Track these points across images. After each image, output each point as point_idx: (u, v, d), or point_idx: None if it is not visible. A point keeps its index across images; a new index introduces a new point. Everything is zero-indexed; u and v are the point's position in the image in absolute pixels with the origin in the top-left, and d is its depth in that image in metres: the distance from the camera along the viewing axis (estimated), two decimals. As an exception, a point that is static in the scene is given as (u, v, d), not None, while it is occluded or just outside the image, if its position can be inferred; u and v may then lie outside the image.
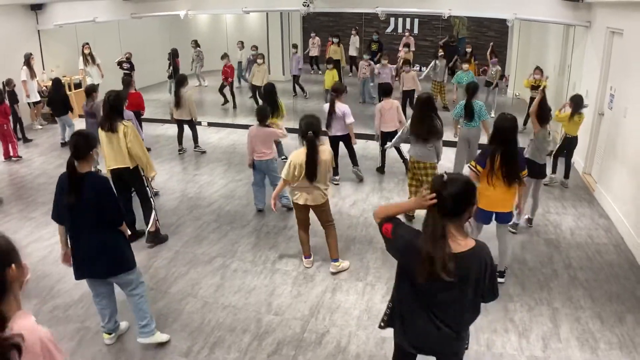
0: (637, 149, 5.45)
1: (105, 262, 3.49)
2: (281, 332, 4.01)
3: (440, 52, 11.49)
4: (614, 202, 6.01)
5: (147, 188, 5.34)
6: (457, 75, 10.34)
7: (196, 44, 13.39)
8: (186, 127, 8.52)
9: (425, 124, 5.50)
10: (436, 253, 2.19)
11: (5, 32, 10.25)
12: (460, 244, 2.26)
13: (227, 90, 11.94)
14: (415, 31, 16.26)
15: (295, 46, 13.18)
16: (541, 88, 5.92)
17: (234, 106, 12.08)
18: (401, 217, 2.55)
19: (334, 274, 4.81)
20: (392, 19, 16.41)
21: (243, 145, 9.14)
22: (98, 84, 10.18)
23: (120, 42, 11.56)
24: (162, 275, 4.87)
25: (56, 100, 9.24)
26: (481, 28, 15.48)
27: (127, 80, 8.24)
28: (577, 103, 6.40)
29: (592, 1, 7.29)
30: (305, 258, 4.99)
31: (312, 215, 4.83)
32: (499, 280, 4.63)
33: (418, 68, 14.66)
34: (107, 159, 5.14)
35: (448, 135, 6.72)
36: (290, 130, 6.93)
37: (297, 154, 4.53)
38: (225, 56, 11.70)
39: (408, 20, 16.28)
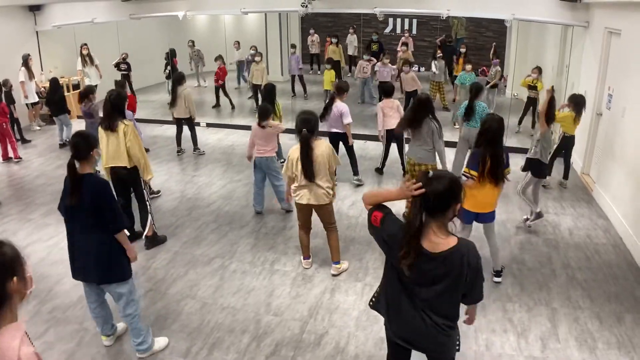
0: (636, 149, 5.46)
1: (95, 266, 3.44)
2: (280, 332, 4.01)
3: (439, 53, 11.48)
4: (613, 202, 6.02)
5: (144, 190, 5.32)
6: (461, 76, 10.32)
7: (193, 44, 13.38)
8: (185, 128, 8.51)
9: (420, 122, 5.42)
10: (407, 246, 2.24)
11: (4, 33, 10.26)
12: (441, 243, 2.27)
13: (221, 92, 11.94)
14: (414, 32, 16.27)
15: (293, 46, 13.16)
16: (548, 89, 5.87)
17: (232, 107, 12.06)
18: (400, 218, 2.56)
19: (334, 275, 4.81)
20: (391, 20, 16.42)
21: (242, 146, 9.15)
22: (96, 85, 10.23)
23: (118, 43, 11.54)
24: (160, 276, 4.86)
25: (54, 100, 9.24)
26: (480, 28, 15.49)
27: (121, 83, 8.24)
28: (577, 102, 6.38)
29: (590, 1, 7.30)
30: (304, 259, 4.98)
31: (314, 218, 4.79)
32: (495, 279, 4.64)
33: (416, 69, 14.65)
34: (105, 157, 5.11)
35: (447, 135, 6.72)
36: (289, 131, 6.92)
37: (293, 150, 4.53)
38: (219, 58, 11.68)
39: (407, 20, 16.29)
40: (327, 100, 6.72)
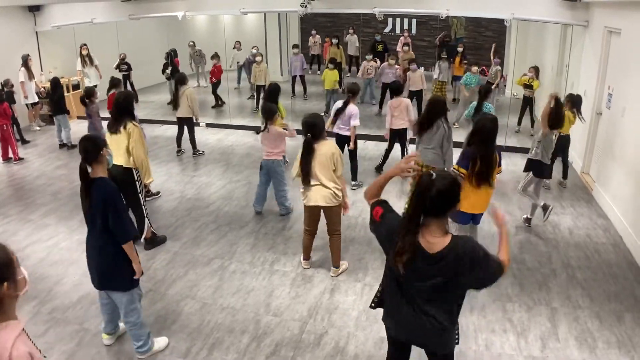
0: (635, 149, 5.46)
1: (96, 271, 3.46)
2: (280, 333, 4.00)
3: (444, 54, 11.38)
4: (613, 201, 6.02)
5: (140, 194, 5.21)
6: (466, 77, 10.29)
7: (194, 44, 13.39)
8: (185, 129, 8.50)
9: (431, 125, 5.35)
10: (402, 241, 2.26)
11: (3, 33, 10.26)
12: (438, 243, 2.29)
13: (219, 91, 11.95)
14: (413, 31, 16.27)
15: (296, 46, 13.14)
16: (552, 94, 5.72)
17: (220, 104, 12.05)
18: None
19: (334, 277, 4.81)
20: (390, 19, 16.42)
21: (242, 146, 9.17)
22: (95, 85, 10.23)
23: (118, 43, 11.54)
24: (160, 276, 4.86)
25: (53, 100, 9.25)
26: (479, 28, 15.49)
27: (116, 81, 8.23)
28: (574, 102, 6.40)
29: (589, 1, 7.30)
30: (304, 259, 4.98)
31: (320, 224, 4.77)
32: None
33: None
34: None
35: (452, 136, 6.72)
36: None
37: (300, 152, 4.56)
38: (215, 56, 11.68)
39: (406, 20, 16.29)
40: (342, 104, 6.55)
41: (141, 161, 5.04)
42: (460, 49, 11.82)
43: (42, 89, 10.59)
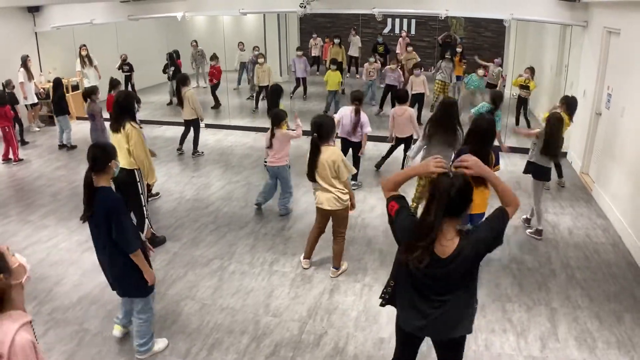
0: (635, 149, 5.46)
1: (111, 277, 3.51)
2: (279, 333, 4.00)
3: (448, 54, 11.30)
4: (612, 201, 6.02)
5: (142, 195, 5.18)
6: (471, 78, 10.24)
7: (196, 44, 13.40)
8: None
9: (444, 127, 5.30)
10: (419, 252, 2.27)
11: (3, 34, 10.26)
12: (449, 246, 2.31)
13: (218, 92, 11.95)
14: (413, 32, 16.28)
15: (299, 49, 13.11)
16: (555, 113, 5.52)
17: (217, 105, 12.07)
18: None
19: (333, 277, 4.81)
20: (389, 20, 16.43)
21: (241, 147, 9.17)
22: (95, 85, 10.22)
23: (117, 44, 11.54)
24: (160, 277, 4.85)
25: (54, 100, 9.26)
26: (478, 28, 15.50)
27: (116, 82, 8.23)
28: (570, 104, 6.35)
29: (589, 1, 7.30)
30: (304, 258, 4.98)
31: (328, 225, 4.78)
32: None
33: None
34: None
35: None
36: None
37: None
38: (214, 57, 11.69)
39: (405, 20, 16.30)
40: (353, 115, 6.42)
41: (142, 161, 5.03)
42: (459, 50, 11.81)
43: (42, 89, 10.58)
